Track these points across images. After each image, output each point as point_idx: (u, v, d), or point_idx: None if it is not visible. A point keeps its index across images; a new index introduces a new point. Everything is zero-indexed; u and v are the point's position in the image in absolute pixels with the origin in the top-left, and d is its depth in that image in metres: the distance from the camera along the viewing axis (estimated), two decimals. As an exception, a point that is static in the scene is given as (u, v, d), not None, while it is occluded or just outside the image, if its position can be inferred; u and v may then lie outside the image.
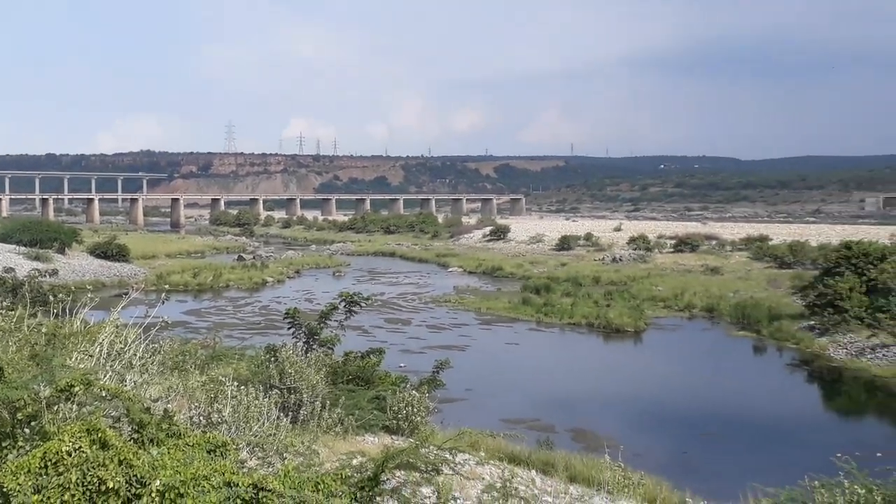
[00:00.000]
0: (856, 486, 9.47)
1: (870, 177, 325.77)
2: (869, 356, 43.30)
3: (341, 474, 6.26)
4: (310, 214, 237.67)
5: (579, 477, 17.58)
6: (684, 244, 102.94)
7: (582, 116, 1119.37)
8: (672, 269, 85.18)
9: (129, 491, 5.45)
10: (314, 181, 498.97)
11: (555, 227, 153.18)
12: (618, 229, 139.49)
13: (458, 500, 8.58)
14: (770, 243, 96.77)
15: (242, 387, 11.23)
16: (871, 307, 47.06)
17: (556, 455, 21.04)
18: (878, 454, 25.64)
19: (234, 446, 6.70)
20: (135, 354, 9.28)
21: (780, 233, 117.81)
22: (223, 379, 11.56)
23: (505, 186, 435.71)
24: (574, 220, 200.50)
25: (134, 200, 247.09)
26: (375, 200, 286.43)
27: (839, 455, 10.56)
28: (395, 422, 17.11)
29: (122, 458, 5.54)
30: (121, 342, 9.20)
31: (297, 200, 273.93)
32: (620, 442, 22.69)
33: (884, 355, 42.62)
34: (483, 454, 15.70)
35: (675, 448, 29.13)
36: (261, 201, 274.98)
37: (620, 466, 13.36)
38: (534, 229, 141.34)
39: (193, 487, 5.46)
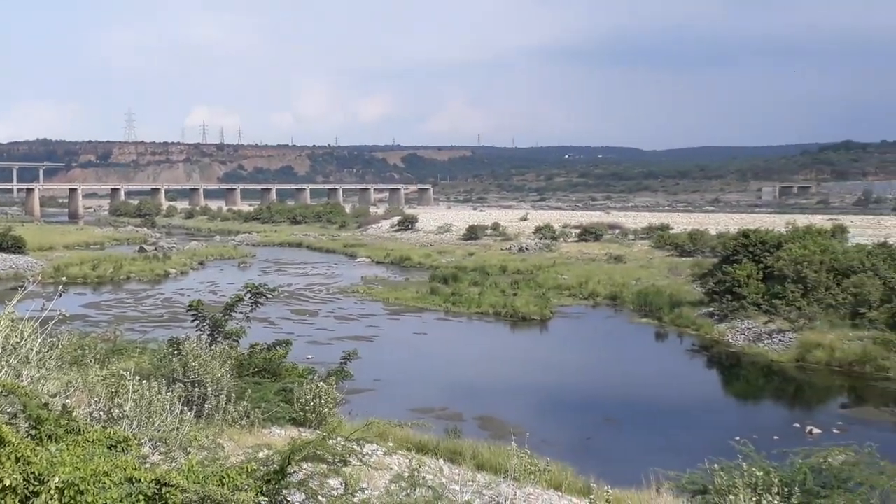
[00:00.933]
0: (754, 469, 9.75)
1: (766, 167, 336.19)
2: (766, 342, 44.70)
3: (247, 468, 6.18)
4: (214, 204, 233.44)
5: (487, 465, 17.73)
6: (588, 233, 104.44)
7: (489, 107, 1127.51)
8: (577, 257, 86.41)
9: (27, 489, 5.29)
10: (218, 170, 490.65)
11: (462, 216, 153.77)
12: (524, 219, 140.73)
13: (366, 491, 8.56)
14: (671, 232, 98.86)
15: (144, 381, 10.98)
16: (767, 294, 48.57)
17: (464, 443, 21.19)
18: (775, 437, 26.54)
19: (137, 441, 6.56)
20: (31, 349, 8.99)
21: (681, 222, 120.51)
22: (124, 373, 11.28)
23: (413, 176, 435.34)
24: (481, 210, 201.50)
25: (30, 190, 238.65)
26: (281, 190, 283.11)
27: (738, 438, 10.88)
28: (302, 414, 16.98)
29: (19, 455, 5.37)
30: (17, 336, 8.90)
31: (201, 190, 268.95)
32: (527, 429, 22.97)
33: (780, 340, 44.05)
34: (391, 444, 15.70)
35: (580, 434, 29.64)
36: (163, 191, 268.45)
37: (527, 453, 13.50)
38: (442, 219, 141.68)
39: (94, 484, 5.32)
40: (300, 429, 16.31)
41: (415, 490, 7.00)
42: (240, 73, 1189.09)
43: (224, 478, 5.96)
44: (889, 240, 61.88)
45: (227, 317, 19.20)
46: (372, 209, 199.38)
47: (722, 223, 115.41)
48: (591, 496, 8.86)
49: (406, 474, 7.22)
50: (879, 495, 10.16)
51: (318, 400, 17.15)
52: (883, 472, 10.58)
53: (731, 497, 8.58)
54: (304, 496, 6.39)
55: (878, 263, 48.21)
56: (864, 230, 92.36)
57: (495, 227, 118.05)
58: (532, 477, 13.30)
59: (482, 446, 20.68)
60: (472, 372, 40.62)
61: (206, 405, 14.76)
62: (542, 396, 36.10)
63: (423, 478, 7.46)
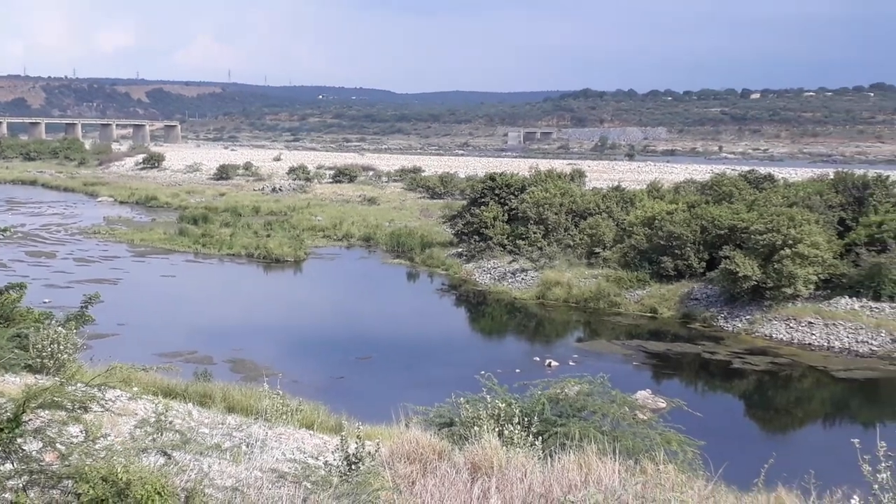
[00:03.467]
0: (497, 401, 10.19)
1: (512, 113, 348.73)
2: (510, 280, 46.77)
3: (-26, 418, 5.74)
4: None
5: (238, 407, 17.53)
6: (343, 175, 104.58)
7: (240, 42, 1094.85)
8: (331, 199, 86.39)
9: None
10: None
11: (213, 156, 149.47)
12: (277, 159, 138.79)
13: (109, 438, 8.21)
14: (423, 175, 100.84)
15: None
16: (512, 235, 50.79)
17: (215, 386, 20.84)
18: (518, 370, 27.97)
19: None
20: None
21: (432, 164, 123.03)
22: None
23: (159, 112, 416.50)
24: (233, 150, 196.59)
25: None
26: (14, 124, 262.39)
27: (483, 372, 11.29)
28: (39, 360, 16.06)
29: None
30: None
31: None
32: (280, 370, 22.92)
33: (522, 279, 46.22)
34: (136, 390, 15.08)
35: (333, 373, 29.88)
36: None
37: (279, 394, 13.44)
38: (191, 158, 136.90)
39: None
40: (37, 376, 15.35)
41: (161, 434, 6.77)
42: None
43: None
44: (622, 184, 66.13)
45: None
46: (114, 146, 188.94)
47: (471, 166, 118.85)
48: (343, 433, 8.94)
49: (152, 419, 6.96)
50: (611, 422, 10.93)
51: (56, 346, 16.26)
52: (614, 400, 11.38)
53: (476, 428, 8.91)
54: (41, 444, 6.05)
55: (612, 206, 51.51)
56: (601, 174, 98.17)
57: (247, 167, 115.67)
58: (284, 417, 13.28)
59: (233, 388, 20.42)
60: (223, 315, 39.89)
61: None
62: (296, 338, 36.06)
63: (171, 422, 7.23)
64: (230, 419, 13.67)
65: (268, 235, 59.61)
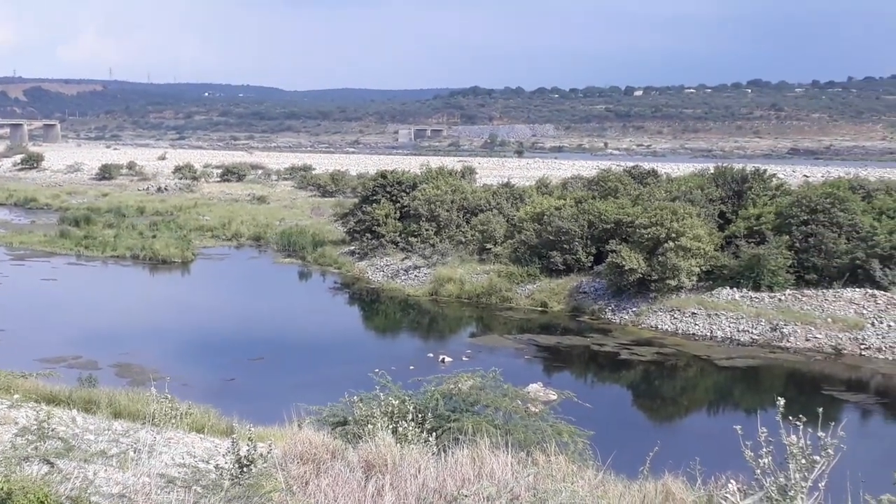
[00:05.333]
0: (391, 398, 10.18)
1: (403, 110, 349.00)
2: (403, 277, 46.84)
3: None
4: None
5: (125, 412, 17.11)
6: (231, 173, 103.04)
7: (123, 39, 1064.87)
8: (219, 198, 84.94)
9: None
10: None
11: (95, 155, 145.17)
12: (163, 158, 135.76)
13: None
14: (313, 172, 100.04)
15: None
16: (404, 232, 50.86)
17: (100, 392, 20.29)
18: (412, 367, 27.99)
19: None
20: None
21: (323, 162, 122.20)
22: None
23: (37, 111, 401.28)
24: (116, 149, 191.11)
25: None
26: None
27: (376, 370, 11.28)
28: None
29: None
30: None
31: None
32: (168, 373, 22.39)
33: (415, 276, 46.34)
34: (17, 397, 14.60)
35: (224, 375, 29.40)
36: None
37: (167, 398, 13.13)
38: (71, 158, 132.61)
39: None
40: None
41: (44, 442, 6.56)
42: None
43: None
44: (512, 180, 66.88)
45: None
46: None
47: (362, 164, 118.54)
48: (234, 435, 8.80)
49: (34, 427, 6.73)
50: (503, 415, 11.06)
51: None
52: (506, 394, 11.53)
53: (370, 426, 8.89)
54: None
55: (502, 202, 52.05)
56: (491, 171, 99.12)
57: (131, 166, 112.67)
58: (173, 421, 12.98)
59: (119, 393, 19.91)
60: (108, 318, 38.79)
61: None
62: (185, 340, 35.34)
63: (53, 429, 6.99)
64: (117, 425, 13.34)
65: (153, 236, 58.25)
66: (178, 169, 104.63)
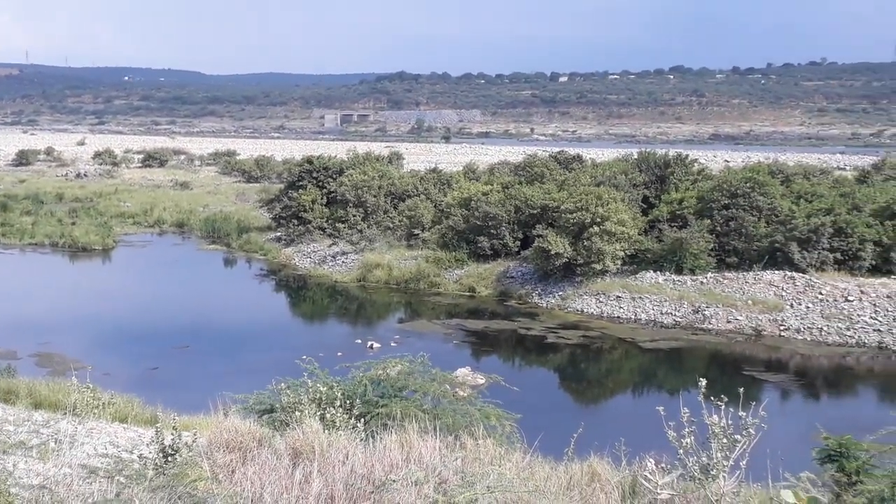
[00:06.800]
0: (318, 385, 10.12)
1: (329, 95, 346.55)
2: (331, 264, 46.57)
3: None
4: None
5: (45, 402, 16.69)
6: (152, 159, 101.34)
7: (39, 21, 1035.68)
8: (140, 184, 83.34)
9: None
10: None
11: (11, 140, 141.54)
12: (82, 143, 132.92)
13: None
14: (238, 158, 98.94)
15: None
16: (331, 218, 50.54)
17: (19, 382, 19.74)
18: (340, 353, 27.88)
19: None
20: None
21: (248, 148, 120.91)
22: None
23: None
24: (33, 134, 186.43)
25: None
26: None
27: (304, 357, 11.19)
28: None
29: None
30: None
31: None
32: (90, 363, 22.01)
33: (343, 262, 46.13)
34: (-70, 391, 14.18)
35: (148, 364, 28.89)
36: None
37: (89, 387, 12.89)
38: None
39: None
40: None
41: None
42: None
43: None
44: (439, 166, 66.99)
45: None
46: None
47: (287, 149, 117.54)
48: (158, 425, 8.66)
49: (-53, 421, 6.54)
50: (432, 400, 11.08)
51: None
52: (434, 378, 11.54)
53: (297, 413, 8.83)
54: None
55: (430, 188, 52.06)
56: (418, 157, 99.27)
57: (49, 151, 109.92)
58: (95, 412, 12.74)
59: (40, 384, 19.39)
60: (27, 307, 37.75)
61: None
62: (107, 329, 34.64)
63: (-31, 422, 6.81)
64: (37, 415, 13.04)
65: (73, 223, 56.98)
66: (97, 154, 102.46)
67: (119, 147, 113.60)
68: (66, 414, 11.99)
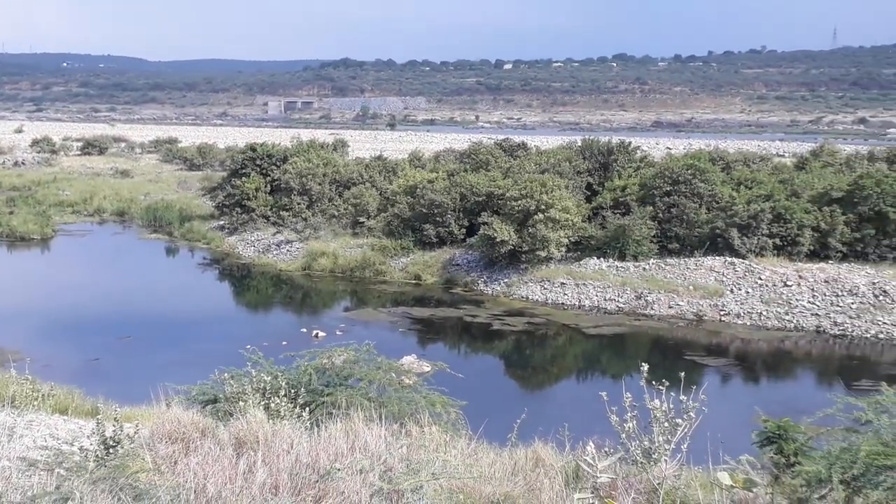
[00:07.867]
0: (262, 374, 10.09)
1: (272, 81, 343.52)
2: (275, 252, 46.25)
3: None
4: None
5: (-18, 396, 16.36)
6: (92, 146, 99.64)
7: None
8: (80, 172, 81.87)
9: None
10: None
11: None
12: (19, 131, 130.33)
13: None
14: (180, 145, 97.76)
15: None
16: (275, 206, 50.17)
17: (-45, 376, 19.33)
18: (284, 342, 27.73)
19: None
20: None
21: (189, 135, 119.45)
22: None
23: None
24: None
25: None
26: None
27: (248, 346, 11.13)
28: None
29: None
30: None
31: None
32: (29, 354, 21.54)
33: (287, 251, 45.84)
34: None
35: (89, 355, 28.45)
36: None
37: (28, 379, 12.71)
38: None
39: None
40: None
41: None
42: None
43: None
44: (384, 153, 66.80)
45: None
46: None
47: (230, 137, 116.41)
48: (99, 416, 8.56)
49: None
50: (377, 388, 11.09)
51: None
52: (380, 367, 11.55)
53: (241, 403, 8.80)
54: None
55: (375, 176, 51.92)
56: (363, 144, 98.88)
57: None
58: (34, 403, 12.57)
59: (-24, 377, 19.01)
60: (-38, 299, 37.00)
61: None
62: (46, 320, 34.00)
63: None
64: (-27, 410, 12.76)
65: (10, 212, 55.83)
66: (35, 142, 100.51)
67: (58, 135, 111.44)
68: (4, 406, 11.79)
